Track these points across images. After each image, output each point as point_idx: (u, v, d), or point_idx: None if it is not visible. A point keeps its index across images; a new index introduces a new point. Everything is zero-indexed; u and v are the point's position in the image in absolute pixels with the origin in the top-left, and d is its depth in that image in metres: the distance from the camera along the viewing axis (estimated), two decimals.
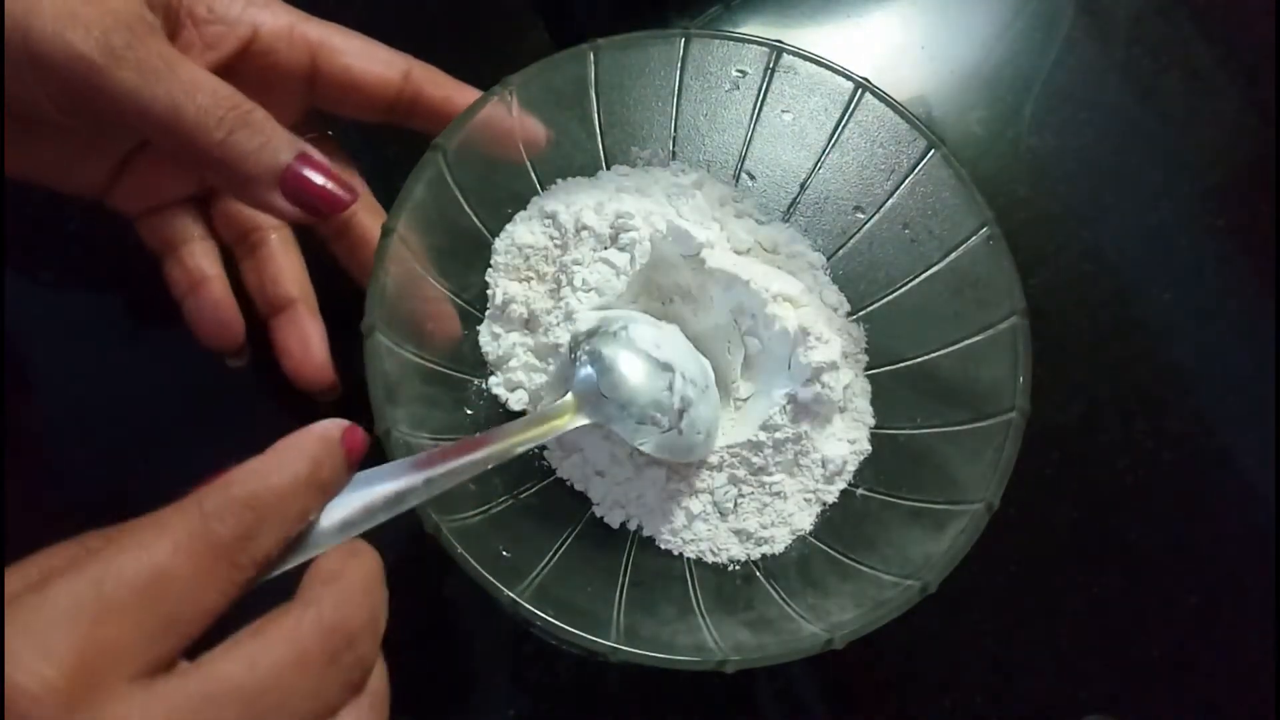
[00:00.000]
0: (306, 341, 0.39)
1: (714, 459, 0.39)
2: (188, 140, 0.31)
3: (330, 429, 0.26)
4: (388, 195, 0.37)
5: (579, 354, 0.37)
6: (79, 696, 0.19)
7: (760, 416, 0.39)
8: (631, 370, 0.36)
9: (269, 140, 0.32)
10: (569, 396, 0.36)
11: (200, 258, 0.40)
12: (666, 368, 0.37)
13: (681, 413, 0.37)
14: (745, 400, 0.41)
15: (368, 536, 0.27)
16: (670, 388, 0.37)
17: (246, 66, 0.36)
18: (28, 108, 0.32)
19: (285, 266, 0.40)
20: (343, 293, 0.43)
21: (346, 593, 0.24)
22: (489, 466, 0.32)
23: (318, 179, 0.33)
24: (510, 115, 0.39)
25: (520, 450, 0.33)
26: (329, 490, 0.26)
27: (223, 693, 0.21)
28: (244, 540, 0.23)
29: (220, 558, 0.22)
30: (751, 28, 0.53)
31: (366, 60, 0.38)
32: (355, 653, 0.23)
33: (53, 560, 0.22)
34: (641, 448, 0.37)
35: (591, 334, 0.37)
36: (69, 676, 0.19)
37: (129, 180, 0.38)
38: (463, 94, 0.39)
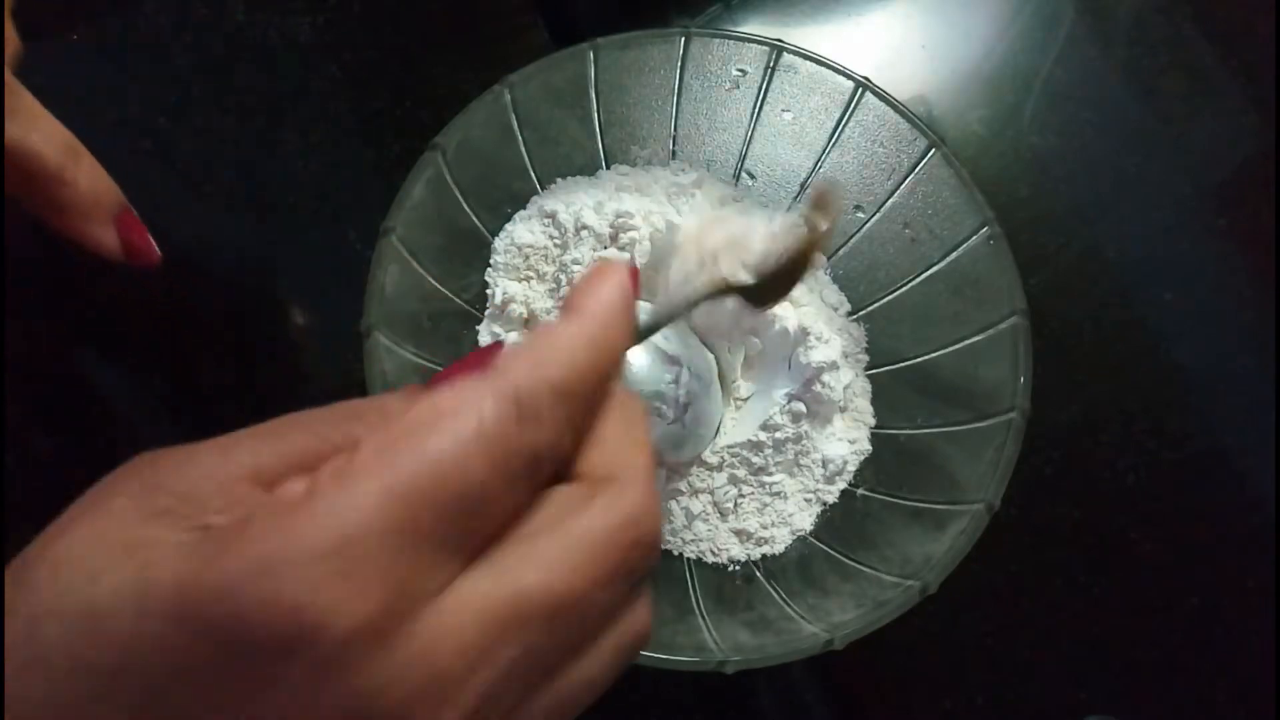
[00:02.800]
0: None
1: (714, 459, 0.39)
2: (29, 173, 0.31)
3: (624, 278, 0.22)
4: (388, 195, 0.37)
5: None
6: (390, 629, 0.17)
7: (760, 416, 0.39)
8: (638, 361, 0.36)
9: (103, 181, 0.33)
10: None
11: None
12: (674, 361, 0.37)
13: (686, 406, 0.37)
14: (745, 400, 0.41)
15: None
16: (676, 381, 0.37)
17: None
18: None
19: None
20: (341, 291, 0.43)
21: (641, 489, 0.20)
22: None
23: (141, 229, 0.35)
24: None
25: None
26: (623, 356, 0.22)
27: (529, 607, 0.18)
28: (554, 445, 0.19)
29: (530, 467, 0.19)
30: (752, 27, 0.53)
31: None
32: (647, 561, 0.20)
33: (323, 434, 0.19)
34: None
35: None
36: (368, 617, 0.16)
37: None
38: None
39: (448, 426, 0.18)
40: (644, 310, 0.33)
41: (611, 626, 0.20)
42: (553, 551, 0.19)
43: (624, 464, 0.21)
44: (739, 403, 0.41)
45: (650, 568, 0.20)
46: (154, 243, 0.34)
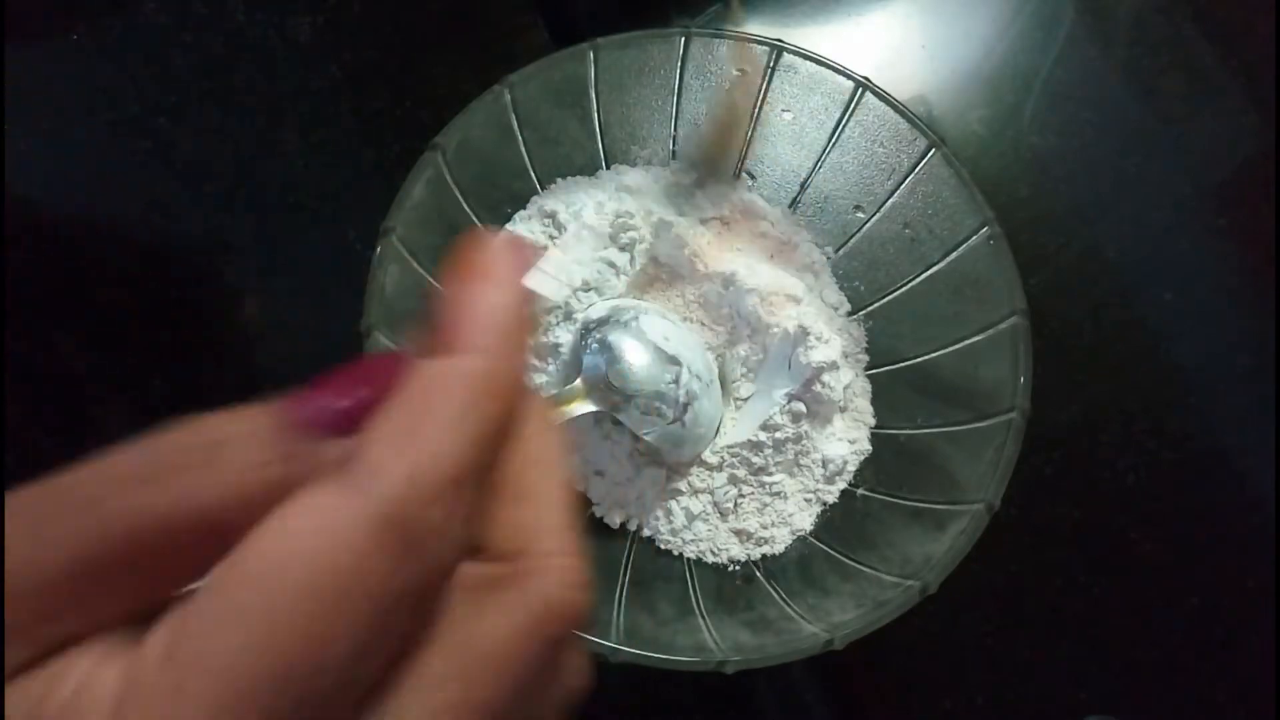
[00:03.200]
0: None
1: (714, 459, 0.39)
2: None
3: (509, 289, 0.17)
4: (388, 194, 0.37)
5: (589, 341, 0.37)
6: None
7: (760, 416, 0.39)
8: (639, 360, 0.36)
9: None
10: (578, 382, 0.36)
11: None
12: (674, 360, 0.37)
13: (686, 406, 0.37)
14: (745, 400, 0.41)
15: None
16: (676, 380, 0.37)
17: None
18: None
19: None
20: (341, 291, 0.43)
21: (556, 569, 0.16)
22: None
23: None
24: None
25: None
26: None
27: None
28: (441, 568, 0.15)
29: (411, 607, 0.15)
30: (752, 26, 0.53)
31: None
32: (578, 635, 0.17)
33: None
34: (646, 437, 0.37)
35: (602, 322, 0.37)
36: None
37: None
38: None
39: (300, 577, 0.13)
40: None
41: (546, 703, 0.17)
42: (461, 662, 0.15)
43: (534, 531, 0.17)
44: (739, 403, 0.41)
45: (581, 641, 0.17)
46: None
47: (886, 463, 0.40)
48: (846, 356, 0.41)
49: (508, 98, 0.39)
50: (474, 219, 0.40)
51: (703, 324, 0.42)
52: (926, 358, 0.40)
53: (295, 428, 0.15)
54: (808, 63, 0.41)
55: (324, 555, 0.13)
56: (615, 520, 0.39)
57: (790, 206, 0.44)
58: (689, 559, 0.39)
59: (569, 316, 0.39)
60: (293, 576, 0.13)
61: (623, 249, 0.40)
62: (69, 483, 0.15)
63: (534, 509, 0.17)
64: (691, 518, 0.39)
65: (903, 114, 0.40)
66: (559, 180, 0.42)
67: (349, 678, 0.14)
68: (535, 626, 0.16)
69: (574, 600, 0.16)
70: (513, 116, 0.40)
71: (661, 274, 0.42)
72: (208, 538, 0.14)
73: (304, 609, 0.13)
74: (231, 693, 0.12)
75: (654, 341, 0.37)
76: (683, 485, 0.39)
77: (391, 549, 0.14)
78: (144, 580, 0.14)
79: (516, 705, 0.15)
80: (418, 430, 0.15)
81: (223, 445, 0.15)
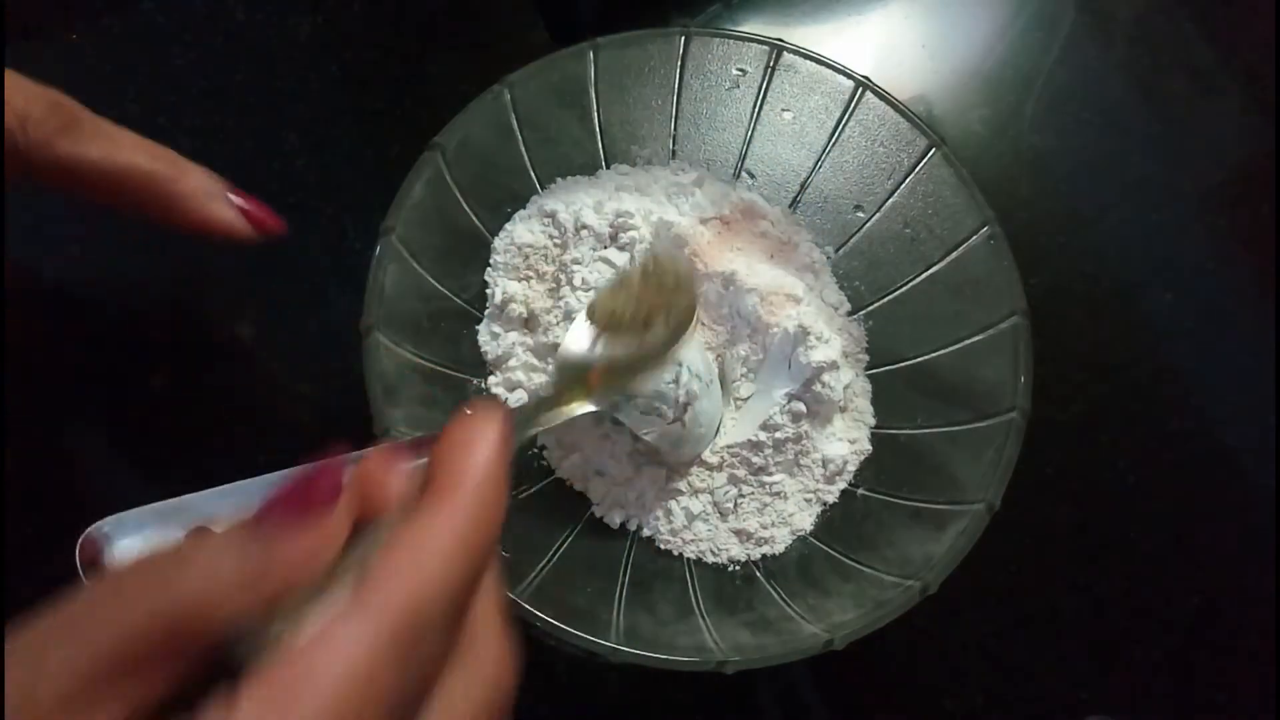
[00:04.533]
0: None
1: (714, 459, 0.39)
2: (148, 188, 0.33)
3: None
4: (387, 194, 0.37)
5: None
6: None
7: (760, 416, 0.39)
8: None
9: (206, 174, 0.35)
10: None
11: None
12: (674, 360, 0.37)
13: (686, 406, 0.37)
14: (745, 400, 0.41)
15: None
16: (676, 380, 0.37)
17: None
18: None
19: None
20: (341, 290, 0.43)
21: (489, 656, 0.20)
22: None
23: (253, 201, 0.36)
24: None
25: (530, 432, 0.33)
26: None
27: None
28: (436, 667, 0.18)
29: (412, 701, 0.18)
30: (752, 26, 0.53)
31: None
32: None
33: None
34: (646, 437, 0.37)
35: None
36: None
37: None
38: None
39: (327, 691, 0.16)
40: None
41: None
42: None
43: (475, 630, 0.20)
44: (739, 403, 0.41)
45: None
46: (271, 210, 0.36)
47: (886, 463, 0.40)
48: (846, 356, 0.41)
49: (507, 97, 0.39)
50: (474, 219, 0.40)
51: (703, 324, 0.42)
52: (927, 358, 0.40)
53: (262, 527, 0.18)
54: (808, 62, 0.41)
55: (344, 672, 0.16)
56: (615, 520, 0.39)
57: (790, 206, 0.44)
58: (689, 559, 0.39)
59: (569, 316, 0.39)
60: (323, 689, 0.16)
61: (622, 249, 0.40)
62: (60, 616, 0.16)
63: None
64: (691, 518, 0.39)
65: (903, 113, 0.40)
66: (559, 180, 0.42)
67: None
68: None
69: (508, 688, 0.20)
70: (512, 116, 0.40)
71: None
72: (191, 638, 0.16)
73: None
74: None
75: None
76: (683, 485, 0.39)
77: (394, 660, 0.16)
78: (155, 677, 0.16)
79: None
80: (415, 555, 0.18)
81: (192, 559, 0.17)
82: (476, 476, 0.19)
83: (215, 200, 0.35)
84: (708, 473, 0.39)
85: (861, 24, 0.54)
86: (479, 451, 0.20)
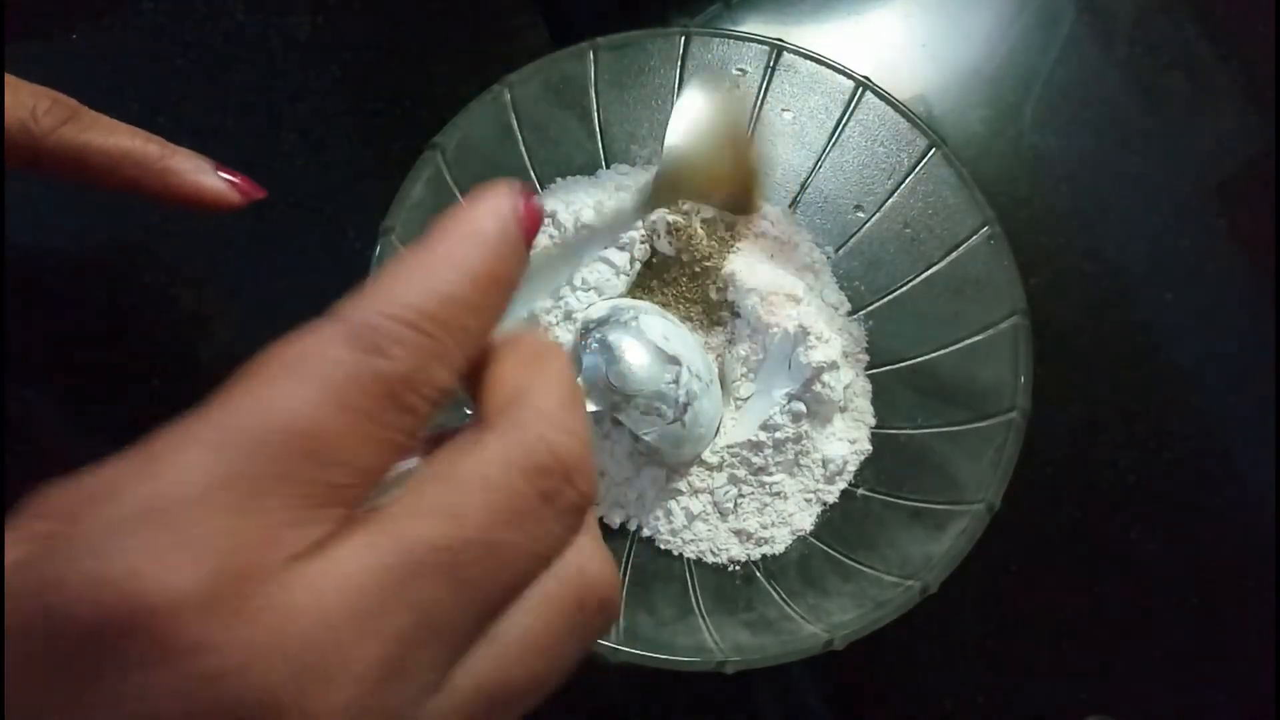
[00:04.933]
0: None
1: (714, 459, 0.39)
2: (144, 172, 0.36)
3: (502, 202, 0.19)
4: (387, 194, 0.37)
5: (588, 341, 0.37)
6: (223, 599, 0.14)
7: (760, 416, 0.39)
8: (639, 360, 0.36)
9: (193, 154, 0.38)
10: (578, 381, 0.36)
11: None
12: (674, 360, 0.37)
13: (686, 406, 0.37)
14: (745, 400, 0.41)
15: None
16: (676, 380, 0.37)
17: None
18: None
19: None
20: (341, 290, 0.43)
21: (548, 411, 0.18)
22: None
23: (237, 174, 0.38)
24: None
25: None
26: (512, 287, 0.19)
27: (420, 561, 0.16)
28: (413, 376, 0.17)
29: (384, 402, 0.16)
30: (751, 26, 0.53)
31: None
32: (575, 488, 0.18)
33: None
34: (645, 437, 0.37)
35: (602, 322, 0.37)
36: (205, 581, 0.14)
37: None
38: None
39: (277, 371, 0.16)
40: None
41: (543, 576, 0.18)
42: (442, 496, 0.16)
43: (523, 389, 0.18)
44: (739, 402, 0.41)
45: (584, 498, 0.18)
46: (253, 181, 0.38)
47: (886, 463, 0.40)
48: (846, 356, 0.41)
49: (507, 97, 0.39)
50: None
51: (702, 324, 0.42)
52: (926, 357, 0.40)
53: None
54: (808, 62, 0.41)
55: (289, 353, 0.17)
56: (615, 520, 0.39)
57: (790, 206, 0.44)
58: (689, 559, 0.39)
59: (568, 316, 0.39)
60: (267, 372, 0.17)
61: (622, 249, 0.40)
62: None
63: (522, 379, 0.19)
64: (691, 518, 0.39)
65: (903, 113, 0.40)
66: (559, 180, 0.42)
67: (333, 459, 0.16)
68: (524, 457, 0.17)
69: (566, 442, 0.18)
70: (512, 116, 0.40)
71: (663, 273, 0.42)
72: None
73: (275, 391, 0.16)
74: (224, 450, 0.15)
75: (654, 341, 0.37)
76: (683, 485, 0.39)
77: (349, 345, 0.17)
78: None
79: (508, 543, 0.17)
80: (382, 276, 0.18)
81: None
82: (469, 224, 0.19)
83: (204, 173, 0.38)
84: (708, 473, 0.39)
85: (861, 24, 0.54)
86: (475, 212, 0.19)
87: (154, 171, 0.37)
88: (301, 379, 0.16)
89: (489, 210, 0.19)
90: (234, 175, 0.38)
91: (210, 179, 0.38)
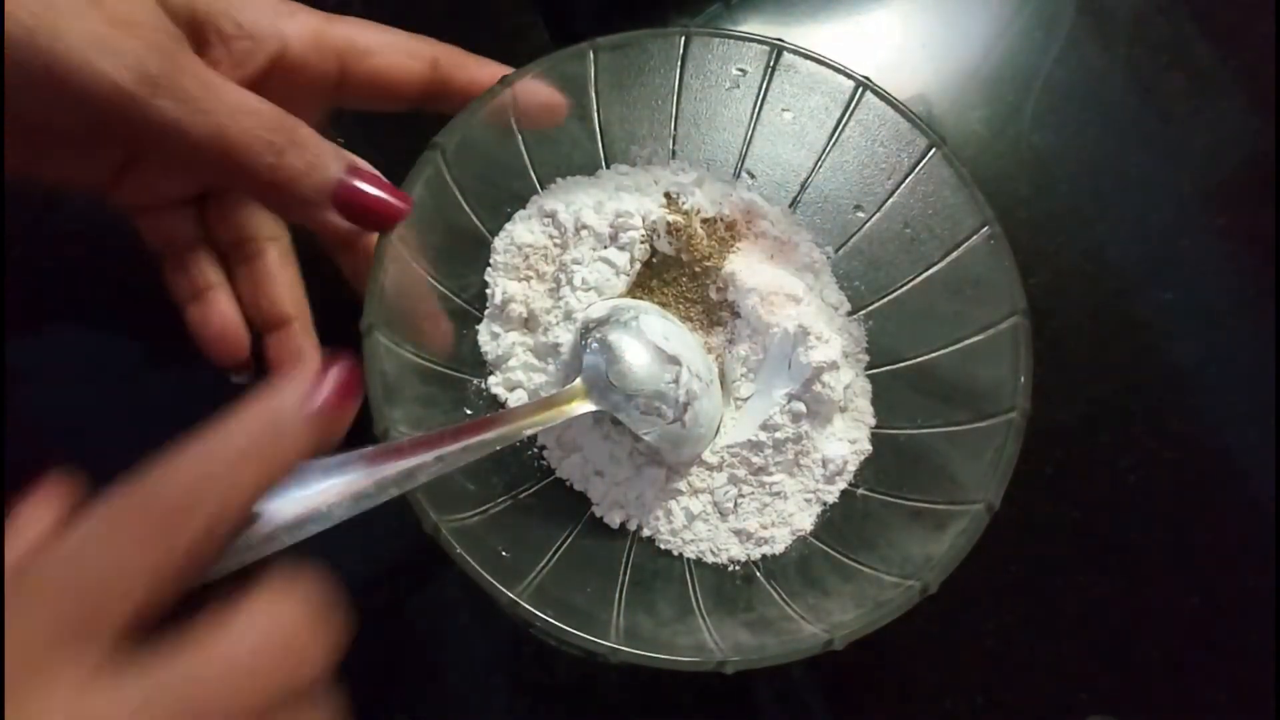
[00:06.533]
0: (301, 363, 0.38)
1: (714, 459, 0.39)
2: (236, 166, 0.30)
3: (283, 398, 0.23)
4: None
5: (589, 340, 0.37)
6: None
7: (761, 416, 0.39)
8: (639, 360, 0.36)
9: (317, 158, 0.31)
10: (578, 381, 0.36)
11: (203, 264, 0.39)
12: (674, 360, 0.37)
13: (686, 406, 0.37)
14: (745, 400, 0.41)
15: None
16: (676, 380, 0.37)
17: (275, 82, 0.34)
18: (47, 128, 0.30)
19: (282, 282, 0.39)
20: (340, 293, 0.43)
21: (257, 639, 0.22)
22: (497, 448, 0.32)
23: (370, 190, 0.32)
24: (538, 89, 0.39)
25: (529, 431, 0.34)
26: (276, 466, 0.23)
27: (189, 695, 0.20)
28: (170, 519, 0.21)
29: (144, 537, 0.20)
30: (751, 26, 0.53)
31: (394, 56, 0.36)
32: (321, 646, 0.22)
33: None
34: (646, 437, 0.37)
35: (602, 322, 0.37)
36: None
37: (132, 178, 0.37)
38: (486, 71, 0.38)
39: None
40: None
41: None
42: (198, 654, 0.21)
43: (257, 608, 0.23)
44: (739, 403, 0.41)
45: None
46: (391, 196, 0.33)
47: (886, 463, 0.40)
48: (847, 356, 0.41)
49: (508, 97, 0.39)
50: (474, 218, 0.40)
51: (702, 324, 0.42)
52: (926, 358, 0.40)
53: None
54: (808, 62, 0.41)
55: None
56: (615, 520, 0.39)
57: (790, 206, 0.44)
58: (689, 559, 0.39)
59: (569, 316, 0.39)
60: None
61: (622, 249, 0.40)
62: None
63: None
64: (691, 518, 0.39)
65: (903, 113, 0.40)
66: (559, 180, 0.42)
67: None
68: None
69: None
70: (512, 116, 0.40)
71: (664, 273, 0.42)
72: None
73: None
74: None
75: (654, 341, 0.37)
76: (683, 485, 0.39)
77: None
78: None
79: None
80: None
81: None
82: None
83: (309, 206, 0.32)
84: (708, 473, 0.39)
85: (861, 24, 0.54)
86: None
87: (252, 183, 0.31)
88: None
89: (263, 404, 0.23)
90: (356, 196, 0.32)
91: (318, 215, 0.33)
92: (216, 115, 0.29)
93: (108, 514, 0.20)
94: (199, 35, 0.32)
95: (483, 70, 0.38)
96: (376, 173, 0.33)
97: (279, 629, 0.22)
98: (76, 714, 0.19)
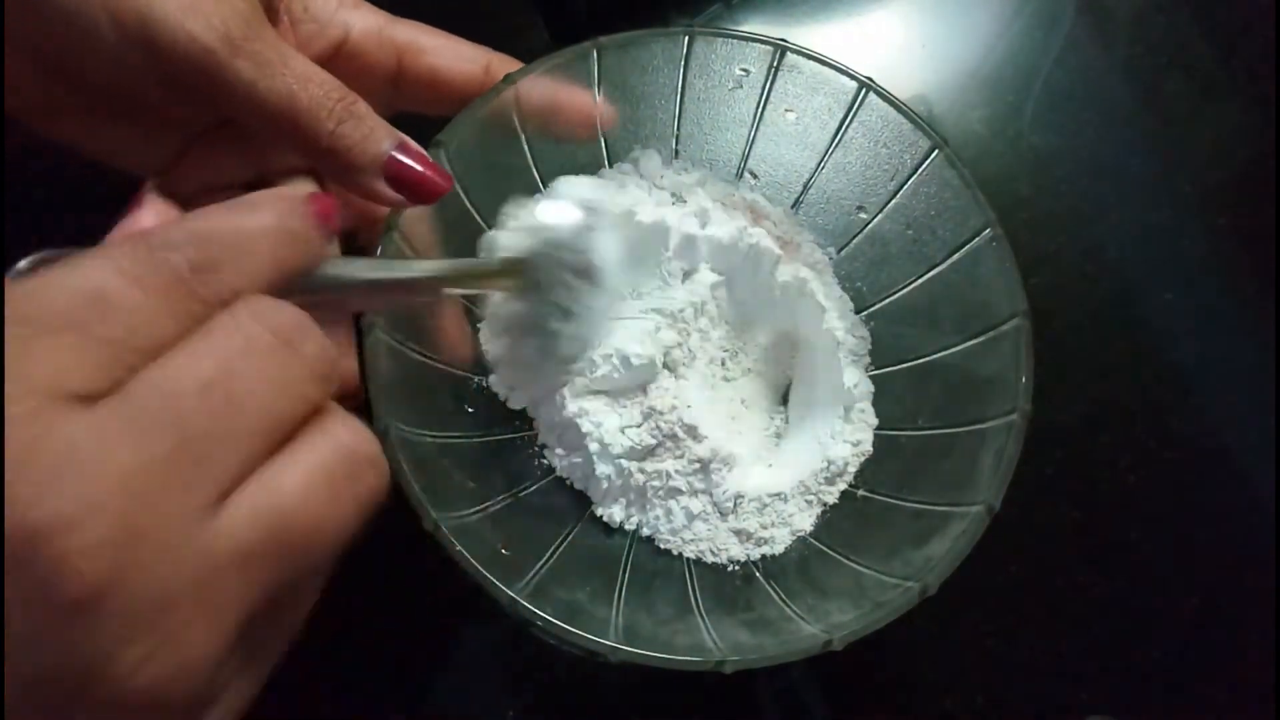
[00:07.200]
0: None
1: (788, 487, 0.39)
2: (300, 130, 0.32)
3: (293, 191, 0.25)
4: None
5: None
6: (13, 419, 0.18)
7: (810, 465, 0.39)
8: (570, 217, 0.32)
9: (373, 130, 0.33)
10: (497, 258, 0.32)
11: None
12: (592, 210, 0.33)
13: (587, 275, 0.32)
14: (781, 440, 0.41)
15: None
16: (589, 232, 0.32)
17: (335, 67, 0.35)
18: (120, 89, 0.32)
19: None
20: None
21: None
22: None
23: (417, 166, 0.34)
24: (587, 92, 0.40)
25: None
26: (302, 245, 0.24)
27: (174, 392, 0.20)
28: (203, 272, 0.21)
29: (175, 285, 0.21)
30: (751, 26, 0.53)
31: (451, 59, 0.39)
32: (315, 341, 0.22)
33: None
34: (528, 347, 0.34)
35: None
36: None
37: (190, 162, 0.37)
38: None
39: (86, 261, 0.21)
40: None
41: (311, 433, 0.22)
42: (193, 344, 0.21)
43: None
44: (775, 440, 0.41)
45: (322, 350, 0.22)
46: (434, 174, 0.34)
47: (887, 464, 0.40)
48: (849, 356, 0.41)
49: (510, 96, 0.39)
50: (476, 217, 0.40)
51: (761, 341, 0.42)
52: (928, 358, 0.40)
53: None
54: (811, 63, 0.41)
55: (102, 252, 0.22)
56: (615, 519, 0.39)
57: (793, 206, 0.44)
58: (688, 559, 0.39)
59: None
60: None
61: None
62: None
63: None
64: (691, 517, 0.39)
65: (907, 115, 0.40)
66: (561, 179, 0.42)
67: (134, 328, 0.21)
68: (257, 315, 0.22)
69: (283, 310, 0.23)
70: (514, 115, 0.39)
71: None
72: None
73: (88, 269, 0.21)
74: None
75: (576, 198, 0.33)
76: (682, 485, 0.39)
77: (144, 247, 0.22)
78: None
79: (258, 370, 0.21)
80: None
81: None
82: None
83: (362, 174, 0.33)
84: (782, 503, 0.39)
85: (861, 24, 0.54)
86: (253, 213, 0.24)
87: (306, 147, 0.33)
88: (107, 261, 0.20)
89: (278, 190, 0.25)
90: (405, 172, 0.34)
91: (370, 185, 0.34)
92: (288, 80, 0.31)
93: (131, 268, 0.21)
94: (272, 14, 0.35)
95: None
96: (423, 151, 0.35)
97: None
98: None
